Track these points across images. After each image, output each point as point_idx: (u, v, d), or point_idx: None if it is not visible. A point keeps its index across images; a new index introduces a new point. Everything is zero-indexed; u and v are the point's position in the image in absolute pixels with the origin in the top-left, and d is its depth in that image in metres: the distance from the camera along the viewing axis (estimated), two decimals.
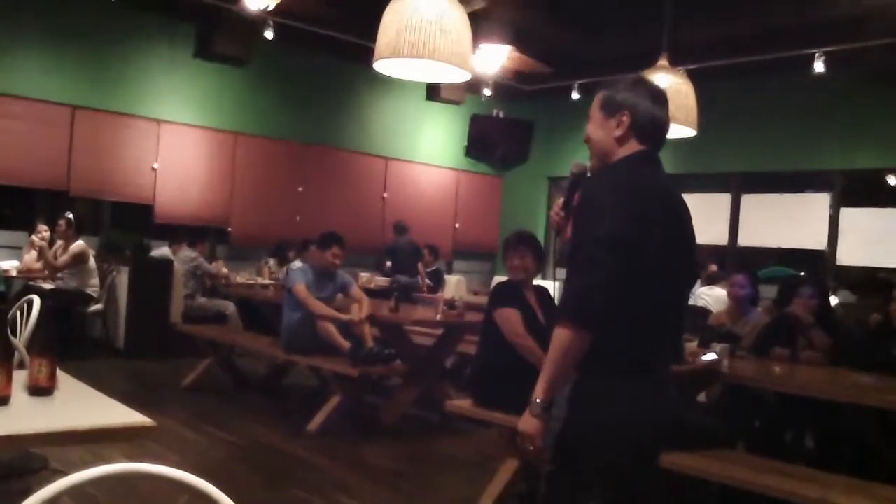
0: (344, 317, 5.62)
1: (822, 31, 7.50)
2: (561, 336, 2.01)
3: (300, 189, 9.87)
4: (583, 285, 2.00)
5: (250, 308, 7.88)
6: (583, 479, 2.13)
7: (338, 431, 5.30)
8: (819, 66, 7.85)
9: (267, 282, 8.04)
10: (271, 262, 8.66)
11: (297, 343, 5.65)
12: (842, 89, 8.48)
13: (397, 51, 4.28)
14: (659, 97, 2.25)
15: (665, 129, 2.26)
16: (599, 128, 2.23)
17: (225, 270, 8.47)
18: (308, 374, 6.76)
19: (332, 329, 5.51)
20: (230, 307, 8.04)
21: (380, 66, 4.58)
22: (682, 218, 2.23)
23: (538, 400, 2.09)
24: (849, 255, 9.05)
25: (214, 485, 1.29)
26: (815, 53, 7.82)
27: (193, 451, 4.81)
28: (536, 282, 4.50)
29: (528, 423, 2.13)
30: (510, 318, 4.09)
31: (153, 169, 8.74)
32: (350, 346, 5.41)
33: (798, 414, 4.60)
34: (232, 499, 1.28)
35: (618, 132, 2.19)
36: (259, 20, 8.26)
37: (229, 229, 9.40)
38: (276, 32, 8.48)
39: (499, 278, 9.44)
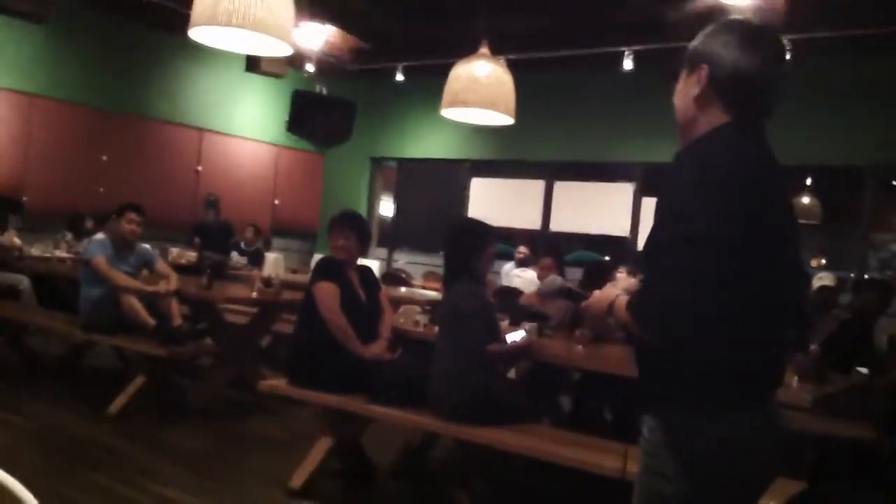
0: (149, 288, 5.34)
1: (632, 31, 7.95)
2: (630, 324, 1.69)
3: (104, 158, 9.24)
4: (662, 292, 1.59)
5: (46, 284, 7.32)
6: None
7: (143, 414, 5.05)
8: (628, 64, 8.32)
9: (64, 255, 7.49)
10: (69, 235, 8.08)
11: (97, 321, 5.31)
12: (649, 87, 9.00)
13: (214, 19, 4.10)
14: (755, 42, 1.69)
15: (766, 85, 1.71)
16: (681, 88, 1.79)
17: (17, 241, 7.79)
18: (109, 355, 6.38)
19: (136, 304, 5.21)
20: (24, 282, 7.40)
21: (195, 33, 4.37)
22: (791, 215, 1.74)
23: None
24: None
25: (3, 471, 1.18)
26: (624, 51, 8.28)
27: None
28: (361, 262, 4.52)
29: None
30: (327, 293, 4.09)
31: None
32: (156, 324, 5.15)
33: (598, 389, 4.91)
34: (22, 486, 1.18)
35: (695, 90, 1.74)
36: None
37: (24, 199, 8.65)
38: None
39: (319, 256, 9.33)
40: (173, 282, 5.43)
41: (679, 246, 1.58)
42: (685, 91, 1.78)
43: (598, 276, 4.94)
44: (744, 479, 1.69)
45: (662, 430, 1.68)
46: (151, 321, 5.17)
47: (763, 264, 1.62)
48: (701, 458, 1.65)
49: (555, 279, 5.47)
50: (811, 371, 3.54)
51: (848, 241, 8.84)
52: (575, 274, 7.09)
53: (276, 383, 4.27)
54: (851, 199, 8.71)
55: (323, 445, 4.01)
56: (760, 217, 1.60)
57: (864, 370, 4.25)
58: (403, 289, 8.01)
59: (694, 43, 1.77)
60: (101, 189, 9.01)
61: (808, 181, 11.00)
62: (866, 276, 5.57)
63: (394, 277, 8.98)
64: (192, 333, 5.19)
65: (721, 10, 5.96)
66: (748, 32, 1.71)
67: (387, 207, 12.42)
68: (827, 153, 8.13)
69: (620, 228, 9.89)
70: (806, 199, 11.06)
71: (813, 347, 4.05)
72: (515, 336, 3.97)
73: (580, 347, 4.29)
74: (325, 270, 4.21)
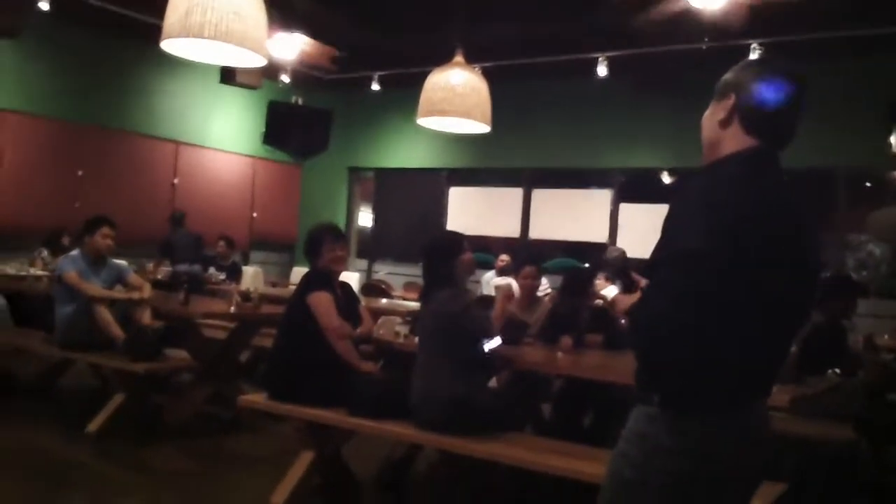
0: (120, 295, 5.32)
1: (605, 38, 7.99)
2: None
3: (80, 173, 9.16)
4: (649, 314, 1.77)
5: (21, 303, 7.22)
6: None
7: (122, 433, 4.97)
8: (602, 70, 8.36)
9: (40, 273, 7.40)
10: (45, 252, 7.97)
11: (73, 338, 5.24)
12: (623, 94, 9.10)
13: (187, 30, 4.08)
14: (781, 82, 1.85)
15: (784, 121, 1.86)
16: (709, 114, 1.92)
17: None
18: (87, 373, 6.30)
19: (108, 317, 5.16)
20: None
21: (167, 45, 4.34)
22: (799, 239, 1.80)
23: None
24: (626, 248, 9.73)
25: None
26: (598, 58, 8.32)
27: None
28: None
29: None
30: (327, 302, 4.09)
31: None
32: (125, 336, 5.09)
33: (580, 396, 4.90)
34: None
35: (721, 115, 1.87)
36: None
37: None
38: (53, 4, 7.80)
39: (298, 269, 9.28)
40: (146, 291, 5.41)
41: (669, 260, 1.75)
42: (712, 116, 1.91)
43: (578, 284, 4.94)
44: (705, 482, 1.76)
45: (642, 420, 1.79)
46: (122, 334, 5.11)
47: (751, 283, 1.70)
48: (664, 453, 1.74)
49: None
50: (789, 373, 3.55)
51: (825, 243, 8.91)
52: (555, 281, 7.09)
53: (255, 398, 4.23)
54: (825, 201, 8.79)
55: (304, 461, 3.97)
56: (751, 239, 1.69)
57: (837, 371, 4.27)
58: (384, 300, 7.99)
59: (727, 75, 1.91)
60: (77, 204, 8.91)
61: None
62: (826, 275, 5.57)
63: (374, 288, 8.96)
64: (159, 334, 5.17)
65: (690, 14, 5.99)
66: (777, 72, 1.86)
67: (365, 218, 12.39)
68: (800, 155, 8.20)
69: (598, 234, 9.93)
70: None
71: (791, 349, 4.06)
72: (493, 344, 3.95)
73: (560, 355, 4.28)
74: (319, 282, 4.21)
